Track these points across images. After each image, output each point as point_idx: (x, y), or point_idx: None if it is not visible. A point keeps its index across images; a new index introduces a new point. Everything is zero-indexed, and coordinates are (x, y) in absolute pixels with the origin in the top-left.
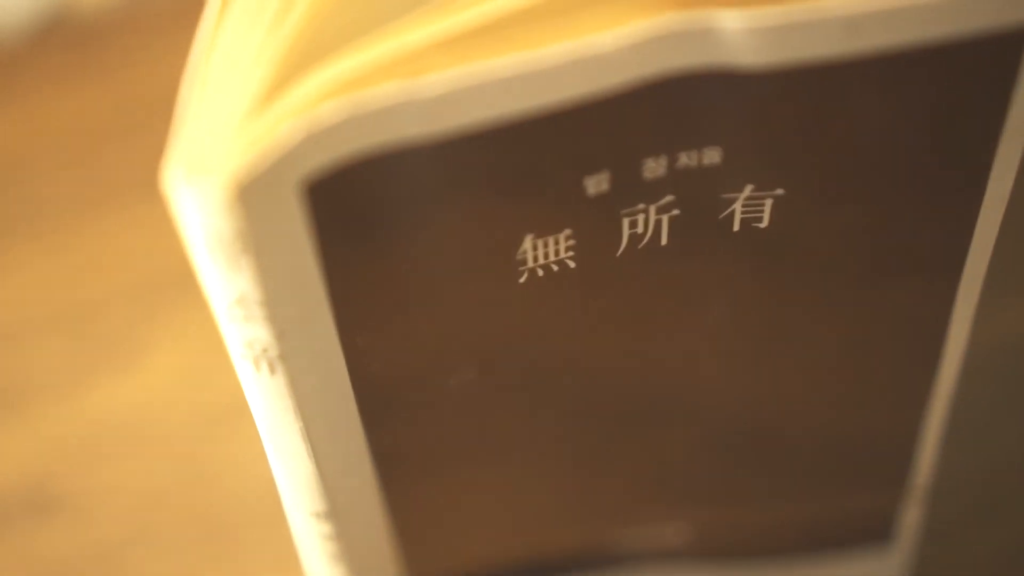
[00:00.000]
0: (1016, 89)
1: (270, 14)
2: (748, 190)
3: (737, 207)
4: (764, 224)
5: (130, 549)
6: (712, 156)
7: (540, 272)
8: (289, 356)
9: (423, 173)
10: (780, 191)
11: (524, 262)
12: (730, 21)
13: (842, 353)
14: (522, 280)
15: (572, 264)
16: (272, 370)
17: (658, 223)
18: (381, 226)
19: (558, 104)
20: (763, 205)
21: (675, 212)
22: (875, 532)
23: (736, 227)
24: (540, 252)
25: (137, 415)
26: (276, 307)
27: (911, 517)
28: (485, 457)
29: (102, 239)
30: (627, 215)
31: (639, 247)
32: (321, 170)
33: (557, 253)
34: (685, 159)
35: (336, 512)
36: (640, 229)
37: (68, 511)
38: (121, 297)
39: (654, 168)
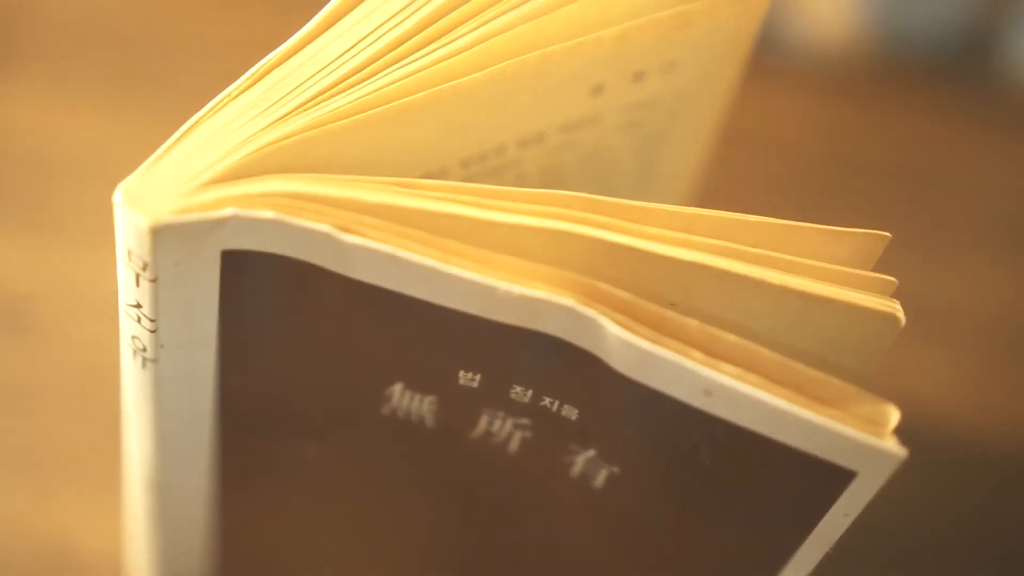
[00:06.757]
0: (827, 512)
1: (276, 114)
2: (591, 452)
3: (579, 458)
4: (598, 485)
5: None
6: (569, 411)
7: (400, 415)
8: (162, 363)
9: (324, 286)
10: (616, 469)
11: (391, 398)
12: (612, 328)
13: None
14: (383, 411)
15: (430, 422)
16: (143, 366)
17: (511, 435)
18: (280, 309)
19: (452, 306)
20: (601, 471)
21: (528, 435)
22: None
23: (574, 474)
24: (405, 400)
25: None
26: (164, 325)
27: None
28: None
29: None
30: (488, 414)
31: (491, 442)
32: (242, 246)
33: (420, 409)
34: (547, 402)
35: (164, 487)
36: (495, 430)
37: None
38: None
39: (520, 394)
